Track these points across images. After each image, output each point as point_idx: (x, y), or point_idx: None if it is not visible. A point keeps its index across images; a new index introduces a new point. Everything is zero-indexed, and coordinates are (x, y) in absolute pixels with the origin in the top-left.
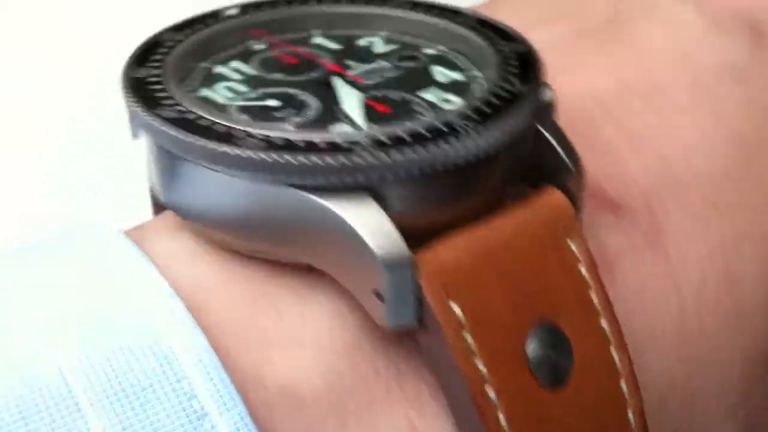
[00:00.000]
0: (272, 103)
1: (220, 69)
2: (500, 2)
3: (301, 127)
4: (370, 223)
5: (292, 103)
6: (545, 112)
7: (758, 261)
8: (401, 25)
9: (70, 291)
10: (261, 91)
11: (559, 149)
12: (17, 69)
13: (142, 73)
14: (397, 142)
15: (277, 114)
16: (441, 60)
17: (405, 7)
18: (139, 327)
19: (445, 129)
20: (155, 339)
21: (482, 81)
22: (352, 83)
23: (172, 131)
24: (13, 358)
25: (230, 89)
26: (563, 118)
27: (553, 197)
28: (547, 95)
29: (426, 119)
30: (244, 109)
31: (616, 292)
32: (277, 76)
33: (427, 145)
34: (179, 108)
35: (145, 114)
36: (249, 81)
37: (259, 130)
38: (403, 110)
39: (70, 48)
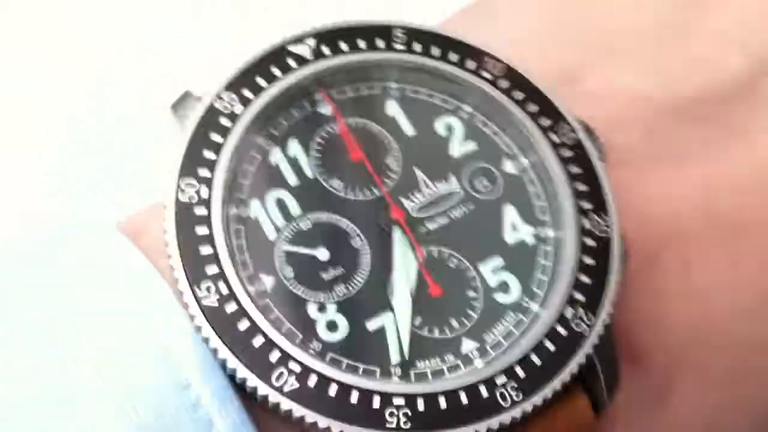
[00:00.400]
0: (321, 255)
1: (275, 157)
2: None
3: (341, 306)
4: None
5: (343, 257)
6: (602, 345)
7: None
8: (488, 107)
9: (72, 292)
10: (313, 219)
11: (602, 380)
12: (18, 69)
13: (186, 194)
14: (432, 406)
15: (325, 275)
16: (517, 192)
17: (506, 93)
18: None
19: (487, 398)
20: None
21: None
22: (410, 244)
23: None
24: (14, 361)
25: (282, 208)
26: (629, 235)
27: (578, 409)
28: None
29: (468, 378)
30: (291, 257)
31: None
32: (335, 187)
33: (464, 417)
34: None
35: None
36: (303, 194)
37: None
38: (453, 300)
39: (70, 48)
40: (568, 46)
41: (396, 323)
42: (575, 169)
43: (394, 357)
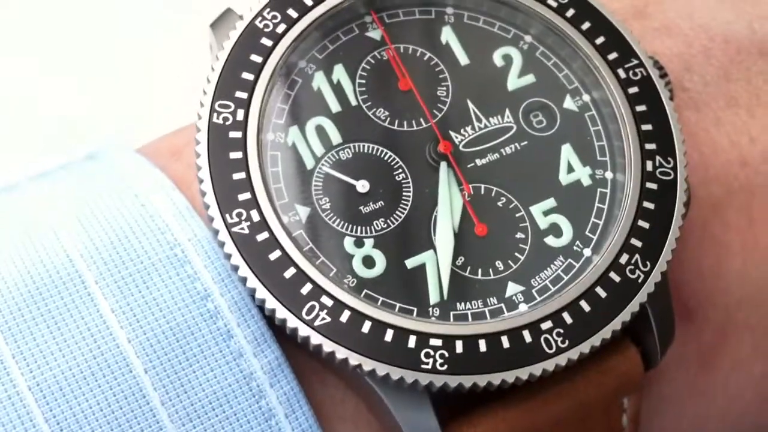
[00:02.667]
0: (361, 187)
1: (318, 81)
2: None
3: (379, 241)
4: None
5: (384, 190)
6: (657, 294)
7: None
8: (551, 37)
9: (81, 191)
10: (355, 149)
11: (656, 334)
12: None
13: (220, 116)
14: (472, 349)
15: (364, 208)
16: (576, 130)
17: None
18: (144, 216)
19: (530, 343)
20: (159, 227)
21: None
22: (457, 179)
23: None
24: (31, 248)
25: (322, 135)
26: (692, 181)
27: (628, 363)
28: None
29: (511, 322)
30: (328, 187)
31: (656, 401)
32: (380, 116)
33: (505, 362)
34: None
35: None
36: (345, 122)
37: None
38: (499, 240)
39: None
40: None
41: (437, 262)
42: (641, 107)
43: (433, 296)
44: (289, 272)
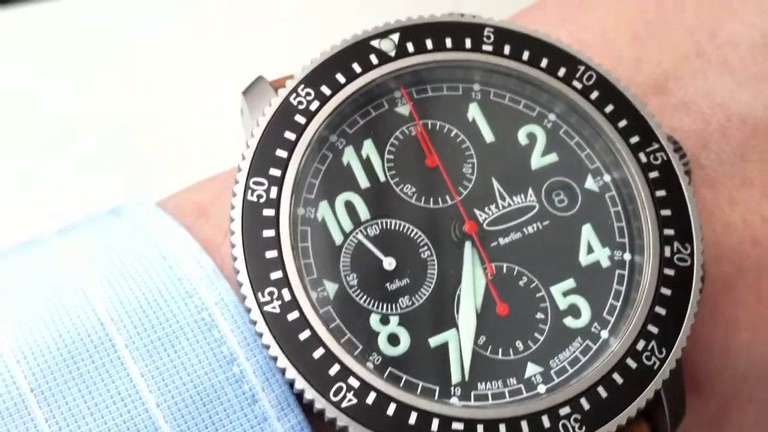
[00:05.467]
0: (388, 264)
1: (348, 156)
2: None
3: (404, 319)
4: None
5: (409, 267)
6: (672, 380)
7: None
8: (575, 118)
9: (108, 251)
10: (382, 225)
11: (667, 414)
12: None
13: (255, 194)
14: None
15: (390, 285)
16: (596, 211)
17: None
18: (172, 279)
19: (549, 428)
20: (187, 291)
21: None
22: (480, 258)
23: None
24: (62, 309)
25: (351, 211)
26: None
27: None
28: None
29: (531, 406)
30: (356, 264)
31: None
32: (407, 192)
33: None
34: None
35: None
36: (373, 198)
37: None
38: (520, 320)
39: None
40: (666, 53)
41: (459, 341)
42: (661, 192)
43: (455, 376)
44: (318, 353)
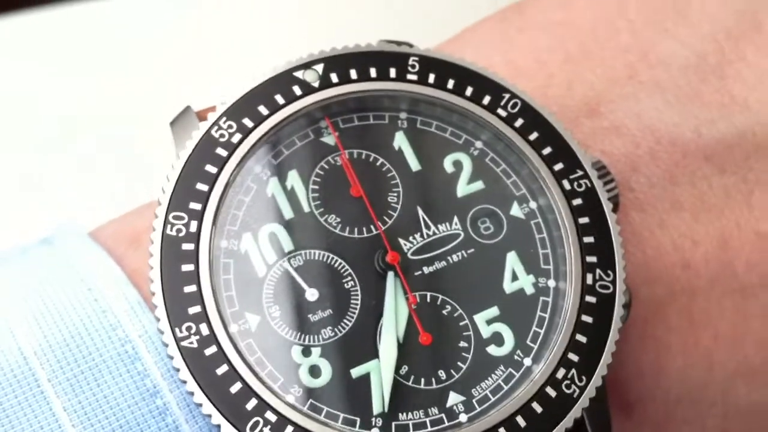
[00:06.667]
0: (310, 295)
1: (272, 187)
2: None
3: (326, 350)
4: None
5: (332, 298)
6: (593, 407)
7: None
8: (500, 146)
9: (35, 284)
10: (306, 256)
11: None
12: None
13: (174, 228)
14: None
15: (312, 316)
16: (521, 238)
17: (518, 128)
18: (96, 312)
19: None
20: (111, 323)
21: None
22: (403, 288)
23: None
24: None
25: (275, 242)
26: (635, 282)
27: None
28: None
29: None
30: (278, 296)
31: None
32: (331, 222)
33: None
34: None
35: None
36: (297, 229)
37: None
38: (443, 349)
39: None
40: (598, 74)
41: (380, 371)
42: (584, 220)
43: (377, 407)
44: (235, 387)
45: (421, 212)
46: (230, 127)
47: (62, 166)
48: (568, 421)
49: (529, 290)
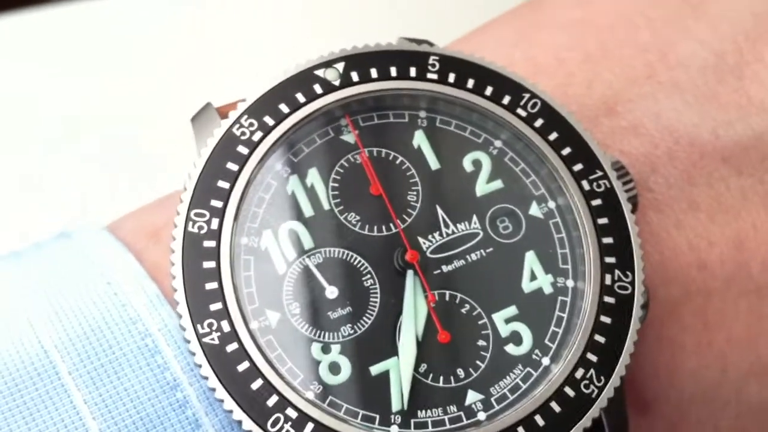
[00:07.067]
0: (330, 293)
1: (292, 185)
2: None
3: (345, 347)
4: None
5: (352, 296)
6: (611, 407)
7: None
8: (520, 145)
9: (55, 277)
10: (325, 254)
11: None
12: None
13: (195, 225)
14: None
15: (332, 313)
16: (540, 237)
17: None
18: (116, 306)
19: None
20: (131, 317)
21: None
22: (422, 286)
23: None
24: (6, 337)
25: (295, 240)
26: (651, 282)
27: None
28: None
29: (471, 429)
30: (299, 293)
31: None
32: (351, 221)
33: None
34: None
35: None
36: (317, 227)
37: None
38: (461, 348)
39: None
40: (617, 74)
41: (399, 369)
42: (603, 220)
43: (395, 404)
44: (256, 384)
45: (440, 211)
46: (251, 125)
47: (64, 166)
48: (586, 420)
49: (548, 290)
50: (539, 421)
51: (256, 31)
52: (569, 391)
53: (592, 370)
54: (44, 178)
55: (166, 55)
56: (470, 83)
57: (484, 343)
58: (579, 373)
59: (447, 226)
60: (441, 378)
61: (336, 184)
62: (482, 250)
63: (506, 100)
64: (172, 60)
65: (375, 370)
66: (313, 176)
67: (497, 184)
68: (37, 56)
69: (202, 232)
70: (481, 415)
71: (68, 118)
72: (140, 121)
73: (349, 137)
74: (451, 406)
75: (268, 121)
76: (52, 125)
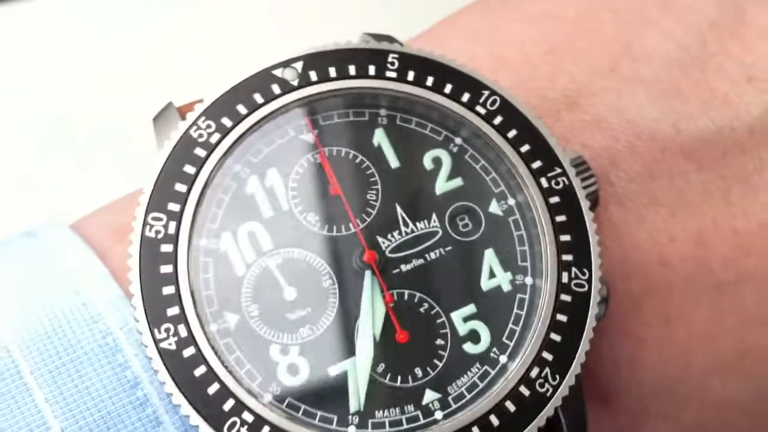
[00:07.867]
0: (289, 294)
1: (252, 186)
2: None
3: (304, 348)
4: None
5: (310, 297)
6: (566, 405)
7: None
8: (480, 142)
9: (18, 276)
10: (285, 255)
11: None
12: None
13: (153, 229)
14: None
15: (291, 315)
16: (499, 235)
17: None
18: (77, 305)
19: None
20: (92, 316)
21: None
22: (381, 291)
23: None
24: None
25: (254, 241)
26: (612, 277)
27: None
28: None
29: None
30: (257, 295)
31: None
32: (310, 221)
33: None
34: None
35: None
36: (276, 227)
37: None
38: (419, 347)
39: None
40: (580, 66)
41: (357, 369)
42: (561, 218)
43: (353, 405)
44: (213, 388)
45: (399, 209)
46: (209, 126)
47: (60, 165)
48: (540, 420)
49: (506, 287)
50: (494, 420)
51: (250, 29)
52: (524, 390)
53: (547, 369)
54: (41, 177)
55: (156, 53)
56: (429, 81)
57: (442, 342)
58: (534, 372)
59: (406, 224)
60: (399, 377)
61: (295, 185)
62: (441, 249)
63: (465, 97)
64: (163, 57)
65: (334, 370)
66: (273, 177)
67: (457, 182)
68: (28, 54)
69: (159, 236)
70: (438, 414)
71: (61, 117)
72: (134, 118)
73: (308, 137)
74: (409, 406)
75: (226, 122)
76: (45, 124)
